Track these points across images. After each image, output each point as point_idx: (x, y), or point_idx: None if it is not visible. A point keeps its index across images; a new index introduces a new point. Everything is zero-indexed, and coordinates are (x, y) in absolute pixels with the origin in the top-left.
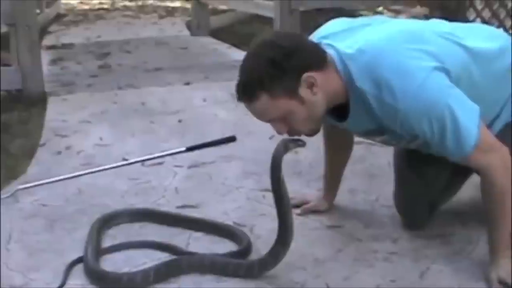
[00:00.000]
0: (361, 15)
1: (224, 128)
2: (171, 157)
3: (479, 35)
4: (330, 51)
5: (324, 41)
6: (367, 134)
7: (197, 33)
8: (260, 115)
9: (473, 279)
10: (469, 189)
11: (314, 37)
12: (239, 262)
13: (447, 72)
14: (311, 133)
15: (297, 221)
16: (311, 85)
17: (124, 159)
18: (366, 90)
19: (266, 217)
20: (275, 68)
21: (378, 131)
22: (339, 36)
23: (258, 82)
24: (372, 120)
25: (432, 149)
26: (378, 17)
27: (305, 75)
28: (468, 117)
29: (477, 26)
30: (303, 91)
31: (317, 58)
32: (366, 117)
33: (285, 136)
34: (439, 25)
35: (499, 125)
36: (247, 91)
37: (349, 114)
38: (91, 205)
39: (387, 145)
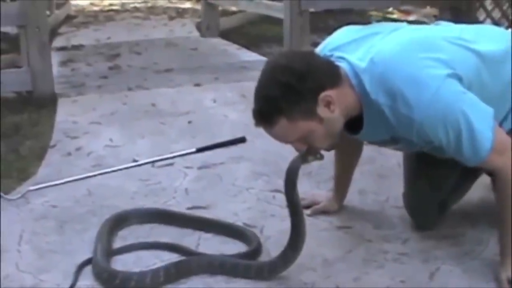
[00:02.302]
0: (371, 16)
1: (234, 129)
2: (181, 158)
3: (487, 37)
4: (342, 65)
5: (336, 54)
6: (381, 143)
7: (207, 34)
8: (280, 138)
9: (483, 280)
10: (479, 189)
11: (325, 48)
12: (249, 263)
13: (459, 78)
14: (330, 148)
15: (307, 222)
16: (328, 104)
17: (134, 160)
18: (381, 102)
19: (276, 218)
20: (291, 93)
21: (393, 140)
22: (350, 47)
23: (276, 108)
24: (387, 130)
25: (445, 153)
26: (387, 24)
27: (322, 94)
28: (483, 121)
29: (484, 27)
30: (321, 110)
31: (331, 75)
32: (381, 128)
33: None
34: (447, 29)
35: (505, 128)
36: (265, 117)
37: (363, 126)
38: (101, 206)
39: (400, 151)
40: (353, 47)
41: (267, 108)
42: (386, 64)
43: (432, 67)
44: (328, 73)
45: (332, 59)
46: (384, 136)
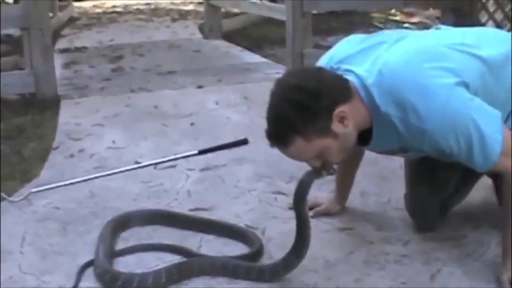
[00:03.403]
0: (373, 18)
1: (237, 131)
2: (183, 160)
3: (488, 41)
4: (351, 78)
5: (342, 66)
6: (390, 152)
7: (210, 36)
8: (296, 157)
9: (484, 282)
10: (481, 191)
11: (331, 60)
12: (251, 265)
13: (466, 85)
14: (342, 162)
15: None
16: (342, 119)
17: (137, 162)
18: (391, 114)
19: (278, 219)
20: (306, 112)
21: (402, 149)
22: (356, 59)
23: (291, 128)
24: (397, 141)
25: (454, 159)
26: (391, 32)
27: (336, 111)
28: (492, 126)
29: (484, 31)
30: (336, 126)
31: (343, 90)
32: (391, 139)
33: None
34: (449, 35)
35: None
36: (281, 137)
37: (372, 138)
38: (104, 208)
39: (408, 158)
40: (359, 59)
41: (283, 129)
42: (394, 75)
43: (440, 76)
44: (340, 89)
45: (340, 72)
46: (393, 146)
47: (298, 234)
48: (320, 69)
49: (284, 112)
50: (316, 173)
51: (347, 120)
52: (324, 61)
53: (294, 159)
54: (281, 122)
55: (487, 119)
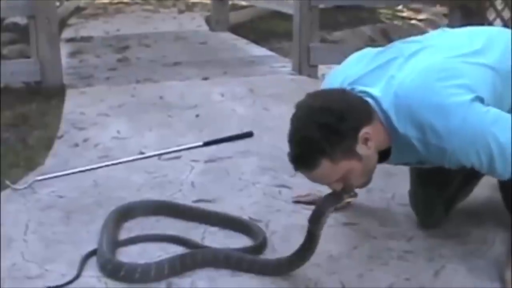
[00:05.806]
0: (380, 13)
1: (242, 124)
2: (188, 152)
3: (495, 44)
4: (368, 100)
5: (357, 88)
6: (405, 164)
7: (216, 29)
8: (321, 180)
9: (488, 279)
10: (485, 189)
11: (344, 81)
12: (254, 259)
13: (481, 100)
14: (364, 186)
15: None
16: (366, 141)
17: (141, 153)
18: (410, 135)
19: (281, 212)
20: (333, 134)
21: (419, 162)
22: (369, 79)
23: (319, 150)
24: (415, 157)
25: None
26: (403, 45)
27: (361, 132)
28: (508, 131)
29: (490, 31)
30: (360, 148)
31: (366, 112)
32: (409, 156)
33: None
34: (458, 42)
35: None
36: (308, 160)
37: (389, 156)
38: (108, 197)
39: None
40: (373, 79)
41: (310, 151)
42: (410, 96)
43: (456, 94)
44: (364, 110)
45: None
46: (411, 160)
47: (304, 244)
48: (343, 91)
49: (310, 134)
50: (337, 197)
51: (370, 142)
52: (337, 81)
53: (318, 182)
54: (308, 145)
55: (504, 129)
